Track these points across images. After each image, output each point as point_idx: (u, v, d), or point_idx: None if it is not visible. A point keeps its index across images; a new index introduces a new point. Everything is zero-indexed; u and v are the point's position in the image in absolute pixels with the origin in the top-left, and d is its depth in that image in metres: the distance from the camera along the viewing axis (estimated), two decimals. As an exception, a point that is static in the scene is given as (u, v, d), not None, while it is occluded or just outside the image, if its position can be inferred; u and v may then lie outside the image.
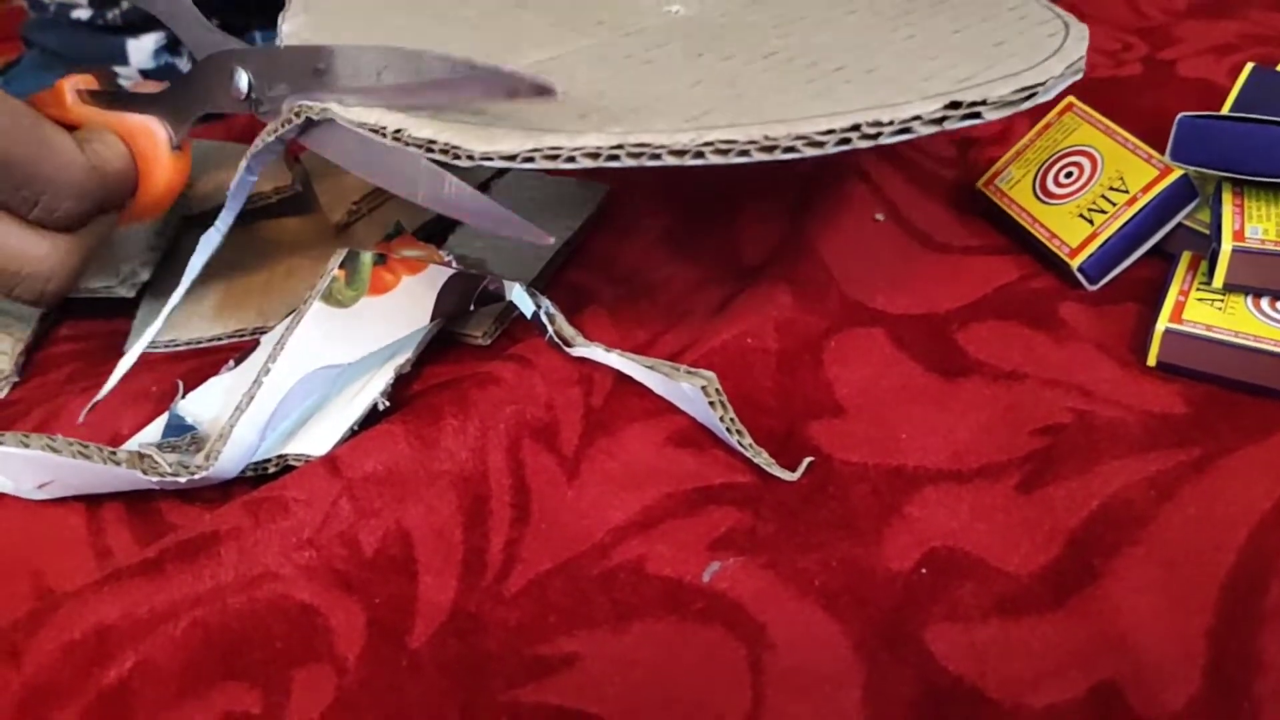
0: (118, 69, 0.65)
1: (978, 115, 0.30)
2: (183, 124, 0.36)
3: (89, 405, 0.36)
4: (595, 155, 0.29)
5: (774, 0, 0.39)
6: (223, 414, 0.35)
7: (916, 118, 0.29)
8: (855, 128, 0.29)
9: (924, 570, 0.29)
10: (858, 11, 0.38)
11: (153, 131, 0.36)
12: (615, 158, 0.29)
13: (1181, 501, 0.30)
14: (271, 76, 0.33)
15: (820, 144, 0.29)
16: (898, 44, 0.35)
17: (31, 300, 0.34)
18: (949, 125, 0.30)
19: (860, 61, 0.33)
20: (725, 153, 0.29)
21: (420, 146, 0.30)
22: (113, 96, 0.37)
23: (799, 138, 0.29)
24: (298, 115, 0.32)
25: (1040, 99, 0.32)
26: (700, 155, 0.29)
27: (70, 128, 0.35)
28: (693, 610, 0.29)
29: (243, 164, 0.34)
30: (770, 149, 0.29)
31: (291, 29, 0.36)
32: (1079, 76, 0.33)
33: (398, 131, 0.30)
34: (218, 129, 0.56)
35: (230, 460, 0.32)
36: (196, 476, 0.32)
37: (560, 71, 0.34)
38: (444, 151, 0.30)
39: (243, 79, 0.34)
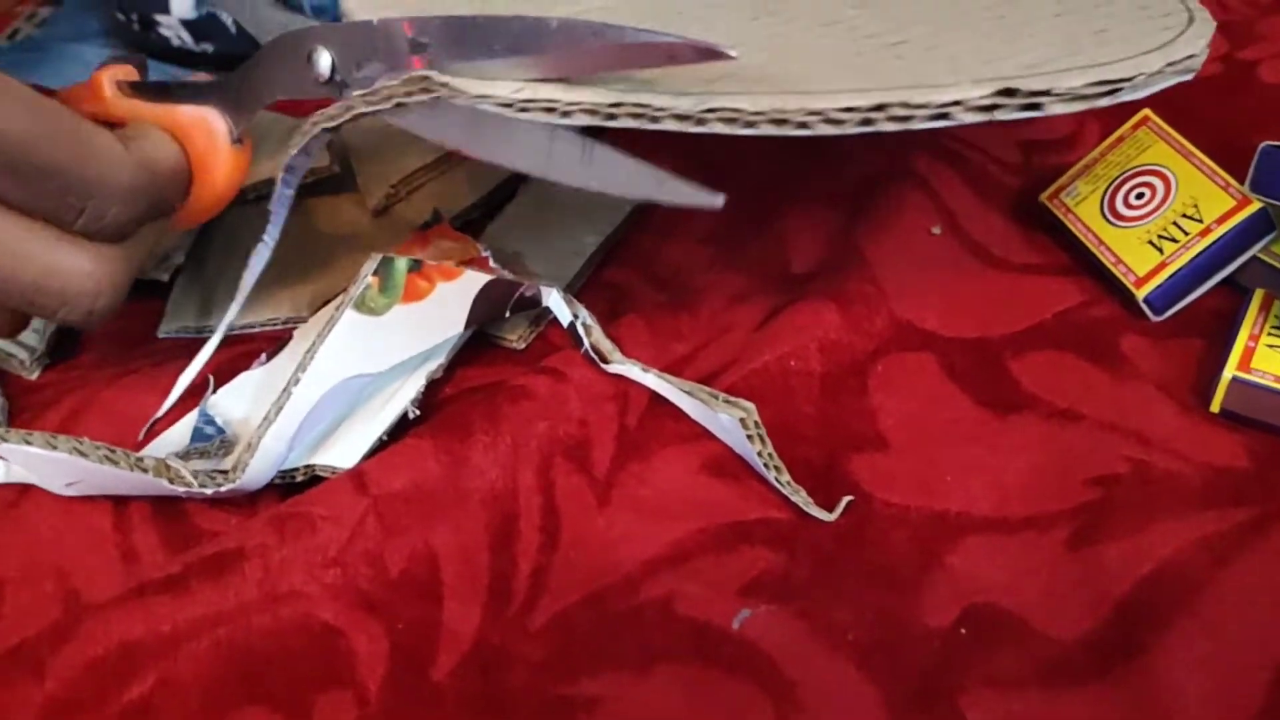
0: (159, 17, 0.64)
1: (1038, 107, 0.27)
2: (245, 115, 0.33)
3: (148, 425, 0.35)
4: (593, 112, 0.27)
5: None
6: (253, 413, 0.35)
7: (956, 103, 0.26)
8: (881, 107, 0.26)
9: (963, 630, 0.28)
10: None
11: (209, 124, 0.33)
12: (613, 116, 0.27)
13: (1238, 569, 0.29)
14: (361, 54, 0.30)
15: (839, 122, 0.26)
16: (983, 22, 0.31)
17: (77, 322, 0.31)
18: (1001, 115, 0.26)
19: (928, 37, 0.30)
20: (731, 122, 0.26)
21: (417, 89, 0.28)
22: (158, 88, 0.34)
23: (813, 113, 0.26)
24: (407, 93, 0.29)
25: (1127, 96, 0.28)
26: (703, 122, 0.26)
27: (111, 125, 0.32)
28: (720, 658, 0.28)
29: (282, 169, 0.32)
30: (780, 122, 0.26)
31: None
32: (1187, 77, 0.30)
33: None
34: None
35: (257, 472, 0.31)
36: (223, 489, 0.31)
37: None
38: (438, 90, 0.28)
39: (324, 59, 0.30)
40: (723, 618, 0.29)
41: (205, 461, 0.33)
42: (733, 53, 0.24)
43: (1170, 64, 0.29)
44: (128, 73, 0.34)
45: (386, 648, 0.29)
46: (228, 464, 0.33)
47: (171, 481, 0.31)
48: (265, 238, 0.33)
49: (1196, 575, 0.28)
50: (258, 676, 0.29)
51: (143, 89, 0.34)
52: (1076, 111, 0.28)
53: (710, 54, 0.25)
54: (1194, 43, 0.30)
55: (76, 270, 0.30)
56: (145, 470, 0.31)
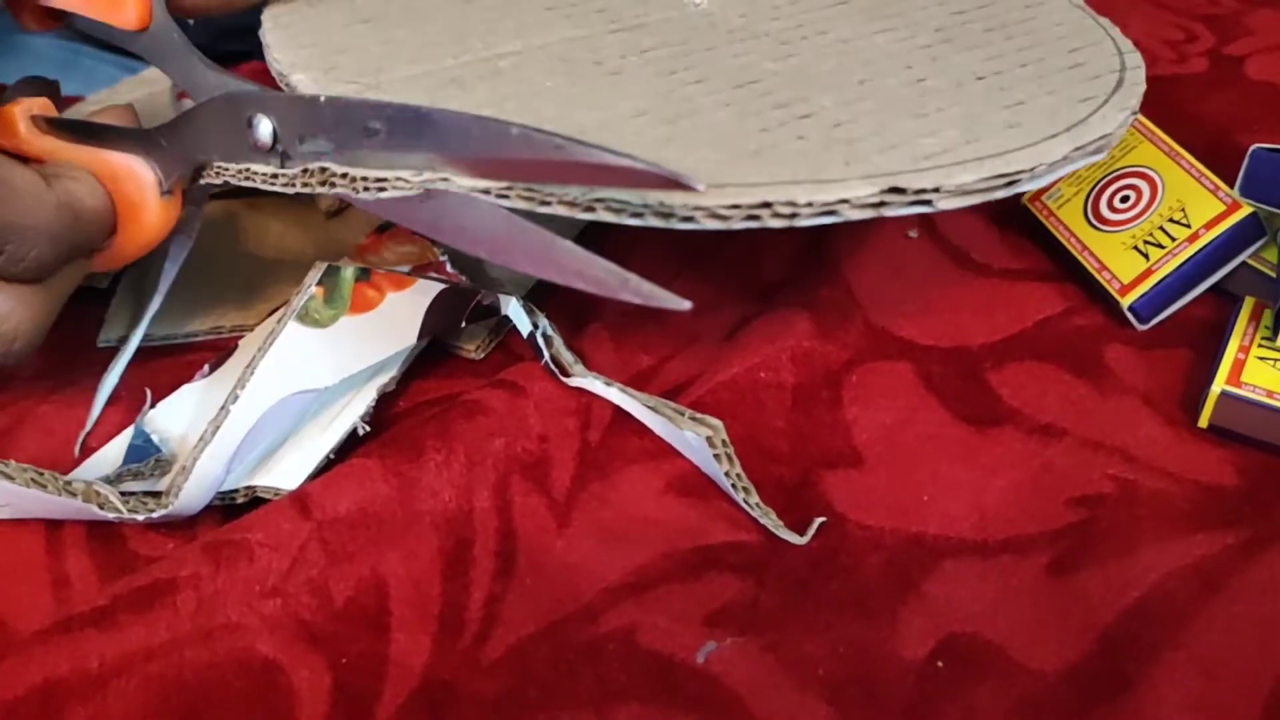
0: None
1: (927, 203, 0.26)
2: (176, 169, 0.31)
3: (79, 440, 0.33)
4: (486, 191, 0.26)
5: (810, 4, 0.35)
6: (192, 430, 0.33)
7: (844, 201, 0.25)
8: (766, 205, 0.25)
9: (940, 663, 0.27)
10: (892, 30, 0.34)
11: (137, 174, 0.30)
12: (505, 196, 0.26)
13: (1228, 595, 0.27)
14: (305, 128, 0.28)
15: (724, 218, 0.25)
16: (900, 87, 0.30)
17: None
18: (889, 212, 0.26)
19: (838, 108, 0.29)
20: (619, 212, 0.25)
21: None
22: (78, 127, 0.31)
23: (699, 208, 0.25)
24: (305, 185, 0.28)
25: (1025, 187, 0.27)
26: (591, 209, 0.26)
27: (25, 162, 0.30)
28: (684, 696, 0.26)
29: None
30: (666, 215, 0.25)
31: (275, 40, 0.32)
32: (1098, 158, 0.29)
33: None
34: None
35: (192, 496, 0.30)
36: (155, 515, 0.29)
37: (513, 74, 0.30)
38: (340, 184, 0.27)
39: (265, 127, 0.28)
40: (687, 651, 0.27)
41: (139, 483, 0.31)
42: (700, 186, 0.23)
43: (1078, 148, 0.28)
44: (44, 106, 0.32)
45: (329, 683, 0.27)
46: (162, 485, 0.31)
47: (101, 507, 0.29)
48: (183, 233, 0.31)
49: (1185, 604, 0.27)
50: (191, 715, 0.27)
51: (61, 126, 0.31)
52: (972, 204, 0.26)
53: (676, 184, 0.23)
54: (1113, 116, 0.29)
55: None
56: (74, 495, 0.29)
